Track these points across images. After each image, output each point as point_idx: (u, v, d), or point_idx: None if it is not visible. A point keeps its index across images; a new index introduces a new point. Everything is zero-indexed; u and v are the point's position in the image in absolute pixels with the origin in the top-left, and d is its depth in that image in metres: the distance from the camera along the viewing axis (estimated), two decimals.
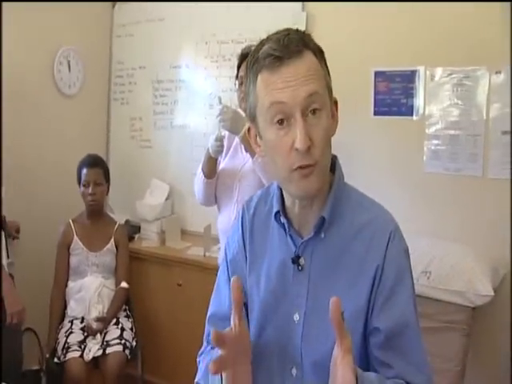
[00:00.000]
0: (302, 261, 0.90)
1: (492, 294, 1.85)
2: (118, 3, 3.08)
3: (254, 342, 0.91)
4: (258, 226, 0.98)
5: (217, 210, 1.99)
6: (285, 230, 0.91)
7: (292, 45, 0.80)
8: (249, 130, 0.91)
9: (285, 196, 0.92)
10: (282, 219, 0.91)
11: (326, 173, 0.87)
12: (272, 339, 0.91)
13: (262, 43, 0.83)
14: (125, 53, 3.07)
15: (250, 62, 0.85)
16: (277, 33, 0.83)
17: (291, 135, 0.80)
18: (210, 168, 1.87)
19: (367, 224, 0.88)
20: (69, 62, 2.80)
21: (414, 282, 1.95)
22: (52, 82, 2.72)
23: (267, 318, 0.93)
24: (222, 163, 1.93)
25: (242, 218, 1.02)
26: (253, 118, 0.87)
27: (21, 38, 2.48)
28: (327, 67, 0.86)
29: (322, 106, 0.81)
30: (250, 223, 0.99)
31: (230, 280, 0.93)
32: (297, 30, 0.84)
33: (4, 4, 2.34)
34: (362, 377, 0.75)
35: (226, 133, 1.88)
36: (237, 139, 1.90)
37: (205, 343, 1.05)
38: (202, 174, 1.89)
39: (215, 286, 1.05)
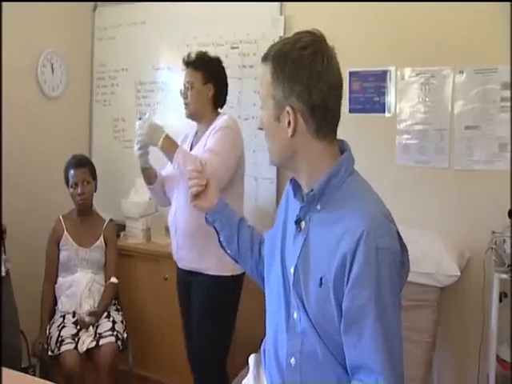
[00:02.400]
0: (302, 224, 1.05)
1: (458, 274, 2.01)
2: (99, 7, 3.15)
3: (266, 289, 1.16)
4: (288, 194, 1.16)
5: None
6: (293, 195, 1.10)
7: None
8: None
9: None
10: (291, 185, 1.11)
11: (276, 153, 1.07)
12: (280, 289, 1.08)
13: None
14: (107, 55, 3.14)
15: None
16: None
17: None
18: (146, 175, 1.97)
19: (351, 213, 0.97)
20: (52, 65, 2.85)
21: None
22: (36, 84, 2.76)
23: (279, 267, 1.10)
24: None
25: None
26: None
27: (5, 40, 2.52)
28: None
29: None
30: (286, 195, 1.21)
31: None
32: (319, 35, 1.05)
33: None
34: None
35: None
36: (187, 140, 2.03)
37: None
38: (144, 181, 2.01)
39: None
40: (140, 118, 1.88)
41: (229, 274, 1.92)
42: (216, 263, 1.89)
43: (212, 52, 2.78)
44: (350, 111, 2.48)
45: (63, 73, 2.92)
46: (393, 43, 2.36)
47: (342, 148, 1.09)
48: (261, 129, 1.08)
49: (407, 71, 2.37)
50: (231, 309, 1.99)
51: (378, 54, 2.41)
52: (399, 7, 2.31)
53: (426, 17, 2.27)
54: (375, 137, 2.44)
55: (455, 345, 2.25)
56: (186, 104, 1.96)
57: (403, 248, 1.00)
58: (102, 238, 2.41)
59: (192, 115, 1.99)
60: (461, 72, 2.24)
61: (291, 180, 1.11)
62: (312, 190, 1.02)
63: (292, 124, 1.01)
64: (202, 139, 1.97)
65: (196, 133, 2.07)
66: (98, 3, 3.14)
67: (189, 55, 1.98)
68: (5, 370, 1.45)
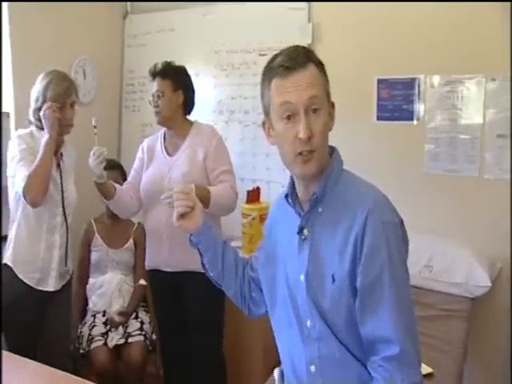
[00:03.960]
0: (305, 232, 1.09)
1: (490, 284, 1.99)
2: (130, 15, 3.23)
3: (278, 306, 1.16)
4: (282, 210, 1.20)
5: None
6: (292, 207, 1.13)
7: (299, 58, 1.02)
8: (264, 123, 1.12)
9: (294, 180, 1.12)
10: (289, 199, 1.13)
11: (323, 159, 1.06)
12: (290, 300, 1.11)
13: (275, 56, 1.05)
14: (136, 62, 3.20)
15: (266, 71, 1.07)
16: (287, 48, 1.06)
17: (296, 128, 1.01)
18: (103, 191, 1.99)
19: (353, 200, 1.04)
20: (84, 71, 2.93)
21: (417, 275, 2.11)
22: None
23: (287, 284, 1.13)
24: (145, 173, 2.09)
25: (270, 212, 1.27)
26: (267, 114, 1.09)
27: (42, 47, 2.61)
28: (326, 77, 1.07)
29: (320, 106, 1.02)
30: (275, 212, 1.25)
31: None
32: (303, 46, 1.08)
33: (26, 16, 2.48)
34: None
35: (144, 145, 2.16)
36: (156, 149, 2.10)
37: None
38: (102, 197, 2.03)
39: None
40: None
41: None
42: None
43: (240, 59, 2.88)
44: (378, 119, 2.49)
45: (94, 79, 3.00)
46: (422, 51, 2.36)
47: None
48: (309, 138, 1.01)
49: (436, 79, 2.37)
50: (224, 297, 2.02)
51: (407, 61, 2.41)
52: (428, 15, 2.31)
53: (456, 24, 2.26)
54: (403, 145, 2.43)
55: (486, 356, 2.22)
56: (157, 112, 2.02)
57: (402, 222, 1.05)
58: (131, 240, 2.46)
59: (164, 122, 2.05)
60: (493, 80, 2.22)
61: (286, 196, 1.14)
62: (314, 194, 1.06)
63: (333, 114, 1.08)
64: (183, 147, 2.04)
65: (164, 137, 2.13)
66: (129, 11, 3.21)
67: (155, 66, 2.06)
68: (38, 365, 1.50)
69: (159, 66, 2.05)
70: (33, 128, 1.95)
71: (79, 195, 2.74)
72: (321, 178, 1.06)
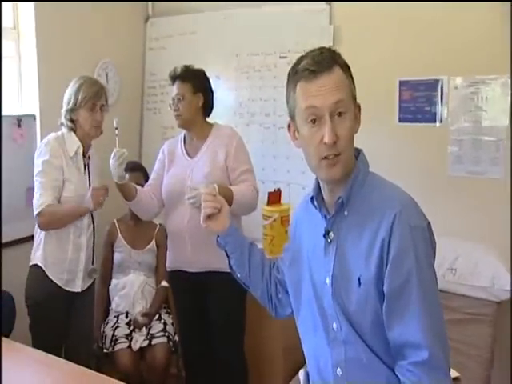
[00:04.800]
0: (331, 235, 1.08)
1: None
2: (151, 18, 3.27)
3: (302, 308, 1.16)
4: (307, 212, 1.19)
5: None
6: (318, 210, 1.12)
7: (324, 61, 1.01)
8: (289, 126, 1.11)
9: (320, 183, 1.12)
10: (315, 202, 1.12)
11: (349, 162, 1.05)
12: (315, 303, 1.11)
13: (300, 59, 1.05)
14: (157, 65, 3.24)
15: (291, 73, 1.06)
16: (313, 51, 1.05)
17: (321, 132, 1.00)
18: (124, 193, 2.01)
19: (380, 204, 1.03)
20: (107, 74, 2.97)
21: (441, 278, 2.08)
22: None
23: (312, 286, 1.13)
24: (166, 175, 2.12)
25: (295, 214, 1.26)
26: (292, 117, 1.08)
27: (66, 52, 2.66)
28: (352, 79, 1.06)
29: (346, 110, 1.02)
30: (300, 213, 1.25)
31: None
32: (329, 48, 1.07)
33: (51, 20, 2.53)
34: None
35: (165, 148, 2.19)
36: (177, 151, 2.12)
37: None
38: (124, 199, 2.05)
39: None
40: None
41: None
42: None
43: (261, 61, 2.89)
44: (400, 121, 2.48)
45: (117, 82, 3.04)
46: (444, 52, 2.34)
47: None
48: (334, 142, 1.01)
49: (459, 80, 2.34)
50: (245, 298, 2.07)
51: (429, 62, 2.39)
52: (450, 16, 2.29)
53: (479, 25, 2.24)
54: (426, 147, 2.41)
55: None
56: (177, 115, 2.05)
57: (429, 224, 1.04)
58: (153, 241, 2.48)
59: (184, 124, 2.08)
60: None
61: (312, 198, 1.13)
62: (339, 198, 1.06)
63: (358, 117, 1.07)
64: (204, 149, 2.07)
65: (184, 139, 2.15)
66: (150, 14, 3.26)
67: (175, 70, 2.09)
68: (65, 363, 1.54)
69: (178, 70, 2.08)
70: (64, 130, 2.00)
71: None
72: (347, 181, 1.06)
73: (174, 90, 2.07)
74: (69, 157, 1.95)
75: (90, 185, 2.02)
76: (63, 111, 1.97)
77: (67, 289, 1.96)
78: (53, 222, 1.88)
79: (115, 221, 2.51)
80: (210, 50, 3.02)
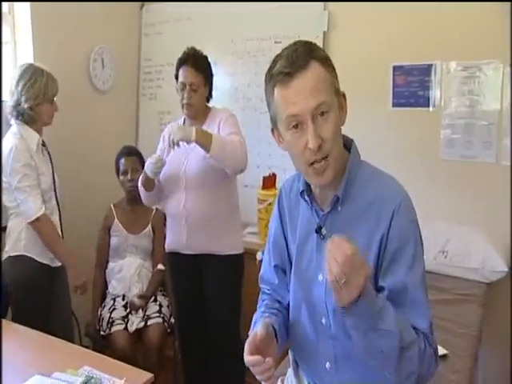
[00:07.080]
0: (323, 231, 1.07)
1: (506, 270, 2.00)
2: (146, 4, 3.25)
3: (290, 299, 1.16)
4: (294, 201, 1.17)
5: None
6: (309, 205, 1.09)
7: (299, 59, 0.96)
8: (272, 130, 1.08)
9: None
10: (306, 197, 1.09)
11: (338, 161, 1.02)
12: (302, 297, 1.12)
13: (275, 61, 1.00)
14: (153, 50, 3.24)
15: (267, 77, 1.02)
16: (287, 48, 1.00)
17: (305, 136, 0.97)
18: (150, 185, 2.08)
19: (377, 198, 1.02)
20: (102, 60, 2.97)
21: (432, 260, 2.10)
22: (88, 78, 2.90)
23: (298, 279, 1.12)
24: (166, 157, 2.10)
25: (278, 201, 1.22)
26: (275, 124, 1.06)
27: (62, 38, 2.66)
28: (334, 70, 1.02)
29: (328, 108, 0.98)
30: (287, 201, 1.19)
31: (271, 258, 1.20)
32: (305, 42, 1.01)
33: (46, 6, 2.53)
34: (370, 289, 0.91)
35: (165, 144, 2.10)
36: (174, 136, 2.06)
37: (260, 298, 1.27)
38: (142, 187, 2.10)
39: (266, 248, 1.25)
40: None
41: (239, 251, 2.13)
42: (229, 244, 2.09)
43: (256, 46, 2.89)
44: (394, 105, 2.49)
45: (112, 68, 3.04)
46: (437, 37, 2.34)
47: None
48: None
49: (453, 65, 2.35)
50: (242, 281, 2.16)
51: (423, 47, 2.40)
52: (444, 1, 2.29)
53: (472, 9, 2.24)
54: (419, 131, 2.43)
55: (502, 341, 2.22)
56: (189, 104, 2.04)
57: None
58: (150, 225, 2.51)
59: (195, 115, 2.09)
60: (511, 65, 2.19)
61: (301, 193, 1.10)
62: (336, 196, 1.04)
63: (344, 106, 1.04)
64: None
65: (184, 124, 2.16)
66: (145, 0, 3.24)
67: (187, 54, 2.06)
68: (63, 342, 1.57)
69: (191, 55, 2.05)
70: (16, 127, 2.00)
71: (99, 182, 2.82)
72: (341, 177, 1.04)
73: (186, 75, 2.02)
74: (34, 152, 1.98)
75: (53, 172, 2.09)
76: (25, 106, 1.96)
77: (52, 265, 2.06)
78: (44, 231, 1.97)
79: (112, 206, 2.53)
80: (205, 36, 3.01)
